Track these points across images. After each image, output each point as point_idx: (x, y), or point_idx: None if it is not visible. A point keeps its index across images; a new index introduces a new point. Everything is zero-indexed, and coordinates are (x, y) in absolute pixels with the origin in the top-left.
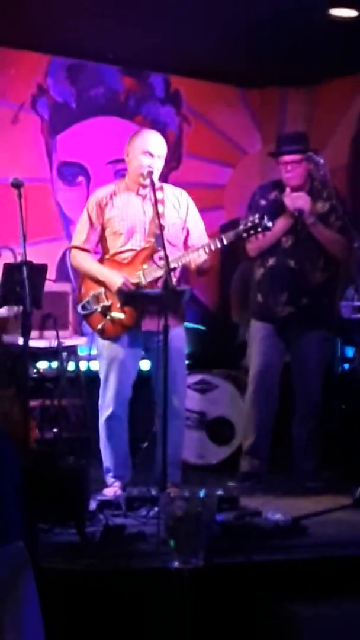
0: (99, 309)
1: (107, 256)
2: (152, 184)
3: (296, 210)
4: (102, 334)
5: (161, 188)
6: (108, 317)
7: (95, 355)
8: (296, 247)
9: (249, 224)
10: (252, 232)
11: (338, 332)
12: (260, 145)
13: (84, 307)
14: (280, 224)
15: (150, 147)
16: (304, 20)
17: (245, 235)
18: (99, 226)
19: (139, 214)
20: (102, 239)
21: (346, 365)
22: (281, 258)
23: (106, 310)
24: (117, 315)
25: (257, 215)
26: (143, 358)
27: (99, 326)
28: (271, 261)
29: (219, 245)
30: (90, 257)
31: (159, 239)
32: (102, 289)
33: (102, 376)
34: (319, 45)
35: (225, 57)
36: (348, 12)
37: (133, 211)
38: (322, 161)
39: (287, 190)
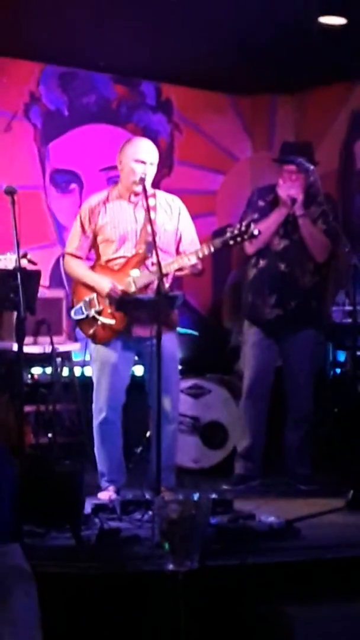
0: (91, 315)
1: (99, 263)
2: (145, 190)
3: (289, 198)
4: (94, 339)
5: (154, 195)
6: (99, 323)
7: (89, 361)
8: (287, 250)
9: (235, 232)
10: (238, 239)
11: (329, 337)
12: (250, 152)
13: (76, 313)
14: (275, 216)
15: (141, 155)
16: (293, 28)
17: (232, 242)
18: (91, 233)
19: (130, 221)
20: (95, 246)
21: (338, 370)
22: (272, 260)
23: (97, 315)
24: (107, 320)
25: (243, 223)
26: (136, 363)
27: (91, 331)
28: (262, 263)
29: (206, 252)
30: (82, 263)
31: (150, 246)
32: (94, 295)
33: (94, 381)
34: (309, 52)
35: (215, 65)
36: (337, 20)
37: (125, 218)
38: (312, 167)
39: (280, 181)
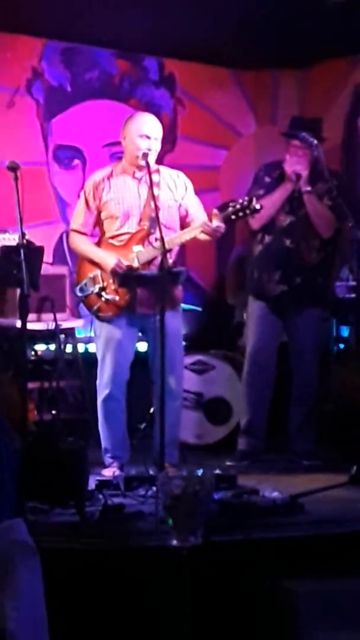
0: (95, 291)
1: (103, 239)
2: (148, 166)
3: (294, 173)
4: (98, 315)
5: (157, 171)
6: (103, 299)
7: (93, 337)
8: (293, 226)
9: (238, 206)
10: (240, 214)
11: (333, 312)
12: (254, 127)
13: (81, 289)
14: (280, 191)
15: (145, 130)
16: (297, 2)
17: (233, 217)
18: (95, 209)
19: (134, 197)
20: (99, 222)
21: (341, 345)
22: (277, 236)
23: (101, 291)
24: (111, 296)
25: (246, 198)
26: (140, 340)
27: (95, 307)
28: (267, 239)
29: (207, 227)
30: (86, 239)
31: (154, 221)
32: (98, 271)
33: (99, 357)
34: (312, 27)
35: (218, 39)
36: None
37: (129, 194)
38: (315, 142)
39: (287, 156)
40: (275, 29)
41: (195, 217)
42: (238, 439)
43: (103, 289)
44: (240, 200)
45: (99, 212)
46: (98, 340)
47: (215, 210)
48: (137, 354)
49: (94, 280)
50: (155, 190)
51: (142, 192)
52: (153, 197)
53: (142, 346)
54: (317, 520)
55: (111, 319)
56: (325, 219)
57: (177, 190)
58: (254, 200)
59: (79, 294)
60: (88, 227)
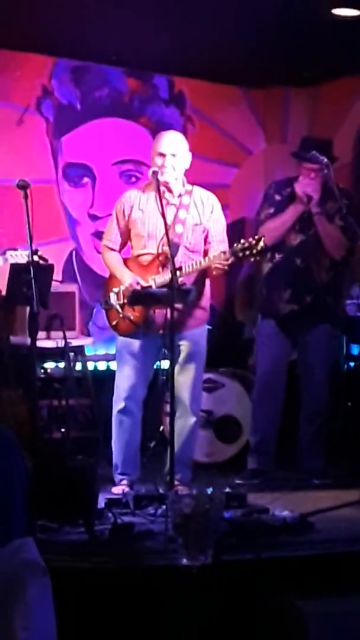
0: (115, 306)
1: (132, 256)
2: (158, 184)
3: (305, 195)
4: (117, 330)
5: (190, 192)
6: (121, 315)
7: (103, 355)
8: (303, 245)
9: (246, 245)
10: (247, 252)
11: (343, 330)
12: (264, 145)
13: (105, 302)
14: (291, 212)
15: (161, 148)
16: (307, 20)
17: (240, 255)
18: (124, 226)
19: (160, 218)
20: (129, 239)
21: (352, 363)
22: (287, 255)
23: (120, 308)
24: (127, 313)
25: (255, 237)
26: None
27: (114, 322)
28: (277, 257)
29: (217, 261)
30: (114, 255)
31: (175, 246)
32: (121, 287)
33: (117, 372)
34: (322, 45)
35: (228, 57)
36: (351, 12)
37: (154, 215)
38: (325, 160)
39: (300, 177)
40: (285, 46)
41: (212, 242)
42: (248, 458)
43: (122, 305)
44: (250, 239)
45: (128, 229)
46: (117, 355)
47: (223, 253)
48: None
49: (117, 295)
50: (183, 213)
51: (169, 214)
52: (164, 218)
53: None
54: (328, 539)
55: (129, 335)
56: (336, 240)
57: (204, 211)
58: (262, 240)
59: (104, 306)
60: (116, 243)
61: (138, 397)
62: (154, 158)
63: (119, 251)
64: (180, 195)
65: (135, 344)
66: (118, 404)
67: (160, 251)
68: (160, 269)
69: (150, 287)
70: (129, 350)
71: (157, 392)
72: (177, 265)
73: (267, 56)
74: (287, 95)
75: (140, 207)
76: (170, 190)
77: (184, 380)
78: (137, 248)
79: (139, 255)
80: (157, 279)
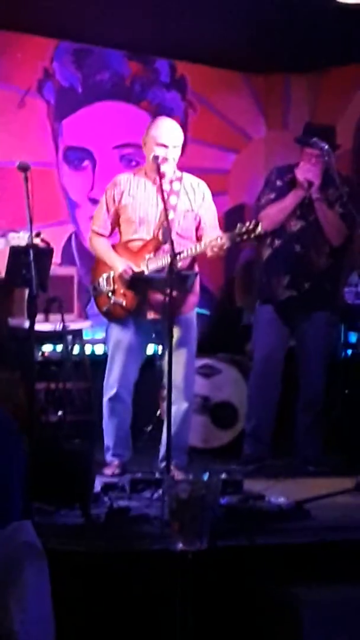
0: (105, 292)
1: (121, 242)
2: (159, 172)
3: (306, 181)
4: (107, 316)
5: (180, 178)
6: (112, 301)
7: (101, 339)
8: (303, 231)
9: (243, 229)
10: (245, 237)
11: (342, 318)
12: (264, 131)
13: (94, 288)
14: (291, 197)
15: (163, 139)
16: (309, 6)
17: (238, 239)
18: (114, 211)
19: (152, 204)
20: (118, 224)
21: (349, 351)
22: (287, 241)
23: (111, 293)
24: (119, 300)
25: (252, 222)
26: (152, 342)
27: (105, 308)
28: (277, 243)
29: (215, 246)
30: (103, 241)
31: (167, 231)
32: (111, 273)
33: (108, 358)
34: (324, 31)
35: (230, 42)
36: None
37: (146, 200)
38: (327, 147)
39: (301, 162)
40: (287, 32)
41: (206, 229)
42: (244, 444)
43: (113, 291)
44: (247, 224)
45: (118, 215)
46: (108, 340)
47: (220, 235)
48: (150, 356)
49: (106, 281)
50: (174, 199)
51: (160, 200)
52: (165, 205)
53: (150, 348)
54: (323, 527)
55: (120, 321)
56: (336, 227)
57: (195, 198)
58: (259, 224)
59: (92, 293)
60: (106, 229)
61: (129, 383)
62: (153, 146)
63: (108, 237)
64: (171, 182)
65: (126, 329)
66: (110, 391)
67: (152, 236)
68: (152, 254)
69: (143, 272)
70: (119, 337)
71: (153, 376)
72: (162, 254)
73: (269, 42)
74: (288, 81)
75: (131, 192)
76: (160, 179)
77: (177, 366)
78: (127, 234)
79: (128, 241)
80: (150, 265)
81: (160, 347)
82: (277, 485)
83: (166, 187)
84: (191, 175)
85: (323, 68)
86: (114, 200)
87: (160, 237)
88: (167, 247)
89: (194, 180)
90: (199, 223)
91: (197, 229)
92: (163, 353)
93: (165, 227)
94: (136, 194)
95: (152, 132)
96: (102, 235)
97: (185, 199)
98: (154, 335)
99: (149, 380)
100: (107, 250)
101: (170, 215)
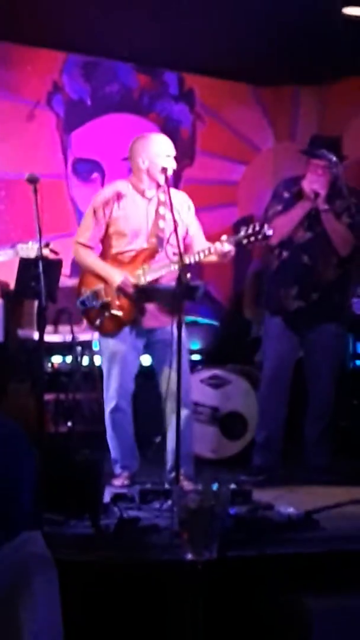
0: (98, 305)
1: (108, 254)
2: (168, 183)
3: (312, 191)
4: (101, 330)
5: (165, 190)
6: (106, 314)
7: (97, 351)
8: (311, 243)
9: (249, 231)
10: (252, 239)
11: (350, 329)
12: (272, 143)
13: (82, 302)
14: (298, 208)
15: (169, 150)
16: (317, 19)
17: (245, 241)
18: (104, 224)
19: (142, 215)
20: (105, 237)
21: (358, 362)
22: (295, 252)
23: (105, 306)
24: (115, 312)
25: (257, 223)
26: (144, 353)
27: (97, 322)
28: (285, 255)
29: (220, 249)
30: (92, 253)
31: (161, 240)
32: (102, 285)
33: (104, 371)
34: (332, 44)
35: (238, 55)
36: None
37: (137, 213)
38: (335, 159)
39: (308, 174)
40: (295, 45)
41: (193, 238)
42: (253, 454)
43: (107, 304)
44: (252, 225)
45: (107, 228)
46: (102, 354)
47: (224, 237)
48: (142, 367)
49: (97, 294)
50: (162, 209)
51: (150, 211)
52: (173, 215)
53: (145, 360)
54: (333, 537)
55: (114, 333)
56: (343, 237)
57: (182, 209)
58: (266, 226)
59: (81, 307)
60: (94, 241)
61: (128, 393)
62: (158, 159)
63: (94, 249)
64: (157, 192)
65: (121, 341)
66: (110, 403)
67: (145, 246)
68: (146, 264)
69: (139, 284)
70: (115, 349)
71: (153, 386)
72: (156, 263)
73: (278, 54)
74: (296, 93)
75: (121, 205)
76: (169, 189)
77: (173, 374)
78: (119, 246)
79: (118, 253)
80: (149, 275)
81: (153, 357)
82: (286, 495)
83: (156, 199)
84: (173, 189)
85: (331, 80)
86: (104, 214)
87: (154, 245)
88: (161, 256)
89: (177, 193)
90: (187, 233)
91: (183, 239)
92: (160, 362)
93: (161, 236)
94: (126, 207)
95: (153, 145)
96: (89, 247)
97: (174, 211)
98: (147, 344)
99: (149, 390)
100: (99, 262)
101: (162, 225)
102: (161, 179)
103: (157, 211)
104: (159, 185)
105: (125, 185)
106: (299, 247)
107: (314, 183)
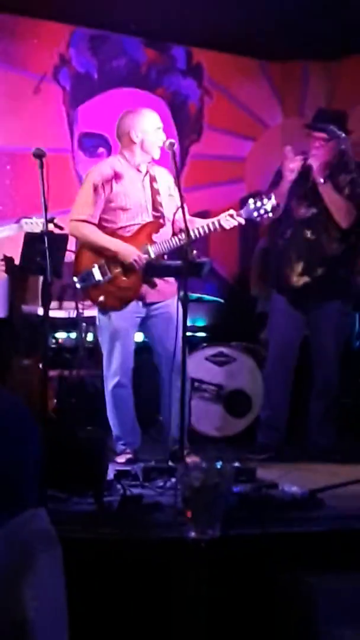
0: (102, 281)
1: (109, 229)
2: (174, 155)
3: (305, 163)
4: (103, 306)
5: (152, 166)
6: (110, 289)
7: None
8: (313, 218)
9: (258, 204)
10: (261, 211)
11: (355, 307)
12: (281, 119)
13: (82, 279)
14: (284, 182)
15: (160, 123)
16: None
17: (255, 214)
18: (105, 200)
19: (139, 189)
20: (104, 213)
21: None
22: (298, 229)
23: (109, 282)
24: (124, 286)
25: (264, 195)
26: (139, 331)
27: (101, 298)
28: (289, 232)
29: (228, 219)
30: (95, 229)
31: (163, 213)
32: (103, 261)
33: (105, 347)
34: (342, 19)
35: (247, 29)
36: None
37: (135, 187)
38: (343, 135)
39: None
40: (305, 20)
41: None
42: (258, 432)
43: (112, 279)
44: (259, 196)
45: (106, 203)
46: (103, 330)
47: (231, 211)
48: (137, 343)
49: (100, 270)
50: (156, 184)
51: (145, 185)
52: (179, 190)
53: (138, 336)
54: (337, 516)
55: (117, 309)
56: (343, 209)
57: (169, 185)
58: (273, 197)
59: (80, 284)
60: (95, 217)
61: (129, 369)
62: (154, 132)
63: (97, 225)
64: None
65: (124, 317)
66: (112, 380)
67: (148, 220)
68: (151, 238)
69: (158, 258)
70: (119, 325)
71: (151, 363)
72: (161, 237)
73: (286, 29)
74: (305, 68)
75: (119, 180)
76: (176, 162)
77: (170, 346)
78: (119, 221)
79: (121, 228)
80: (155, 249)
81: (152, 330)
82: (291, 474)
83: (148, 174)
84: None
85: (341, 56)
86: (103, 189)
87: (158, 219)
88: (165, 230)
89: (161, 168)
90: (176, 208)
91: (174, 214)
92: (160, 336)
93: (162, 210)
94: (124, 182)
95: (146, 120)
96: (92, 223)
97: (164, 185)
98: (145, 318)
99: (149, 366)
100: (108, 237)
101: (158, 199)
102: (156, 153)
103: (151, 185)
104: (148, 160)
105: (117, 160)
106: (301, 222)
107: (311, 156)
